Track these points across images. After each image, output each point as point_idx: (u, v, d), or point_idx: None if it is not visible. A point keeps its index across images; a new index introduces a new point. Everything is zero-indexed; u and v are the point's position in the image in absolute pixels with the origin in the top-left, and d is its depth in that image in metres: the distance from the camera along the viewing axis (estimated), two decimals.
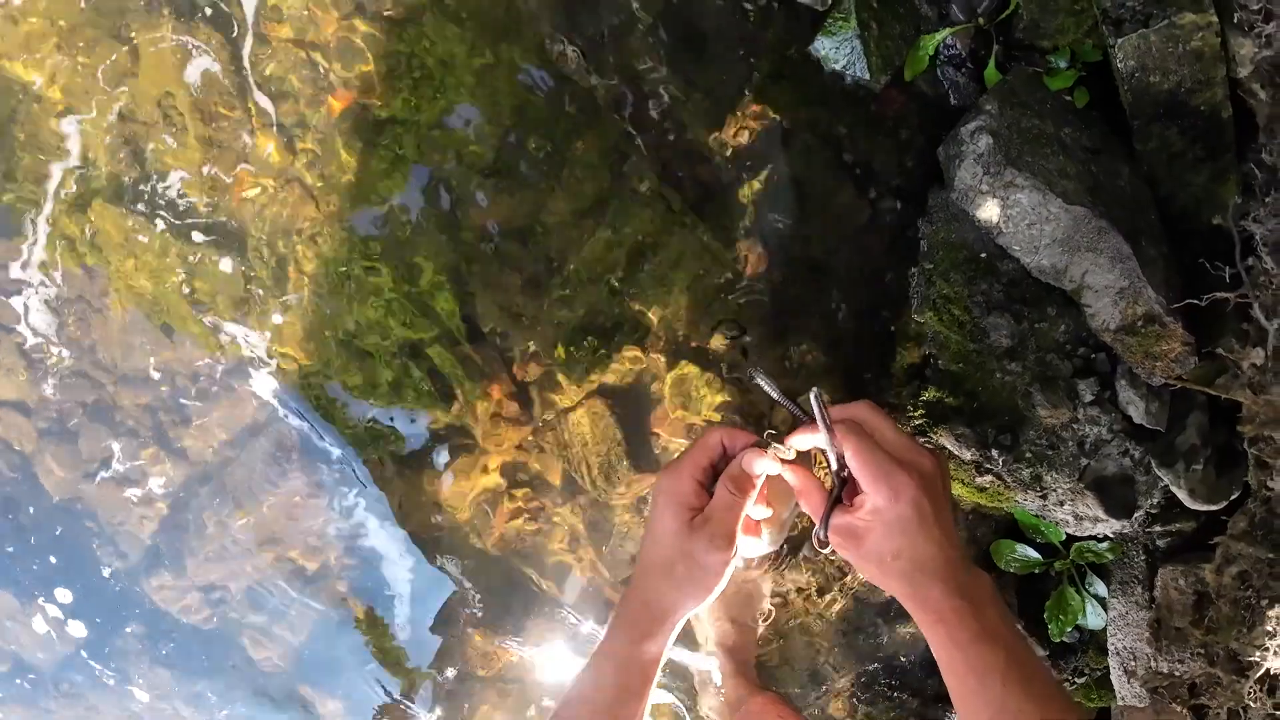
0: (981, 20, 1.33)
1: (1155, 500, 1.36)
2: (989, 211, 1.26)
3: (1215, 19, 1.17)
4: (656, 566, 0.94)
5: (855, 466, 0.87)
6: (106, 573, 1.52)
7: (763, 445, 0.96)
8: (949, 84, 1.38)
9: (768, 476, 0.97)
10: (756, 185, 1.39)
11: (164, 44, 1.33)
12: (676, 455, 1.02)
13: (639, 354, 1.43)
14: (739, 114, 1.37)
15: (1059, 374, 1.31)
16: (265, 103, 1.35)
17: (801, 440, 0.95)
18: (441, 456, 1.47)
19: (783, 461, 0.95)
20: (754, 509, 0.97)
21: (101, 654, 1.55)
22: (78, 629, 1.55)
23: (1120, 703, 1.48)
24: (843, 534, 0.89)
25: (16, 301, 1.42)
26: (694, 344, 1.43)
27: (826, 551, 0.91)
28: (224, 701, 1.57)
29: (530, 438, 1.47)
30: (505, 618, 1.55)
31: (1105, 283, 1.23)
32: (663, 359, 1.44)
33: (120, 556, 1.52)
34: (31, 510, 1.50)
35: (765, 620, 1.52)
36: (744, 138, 1.38)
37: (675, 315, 1.41)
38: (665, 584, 0.94)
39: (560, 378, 1.44)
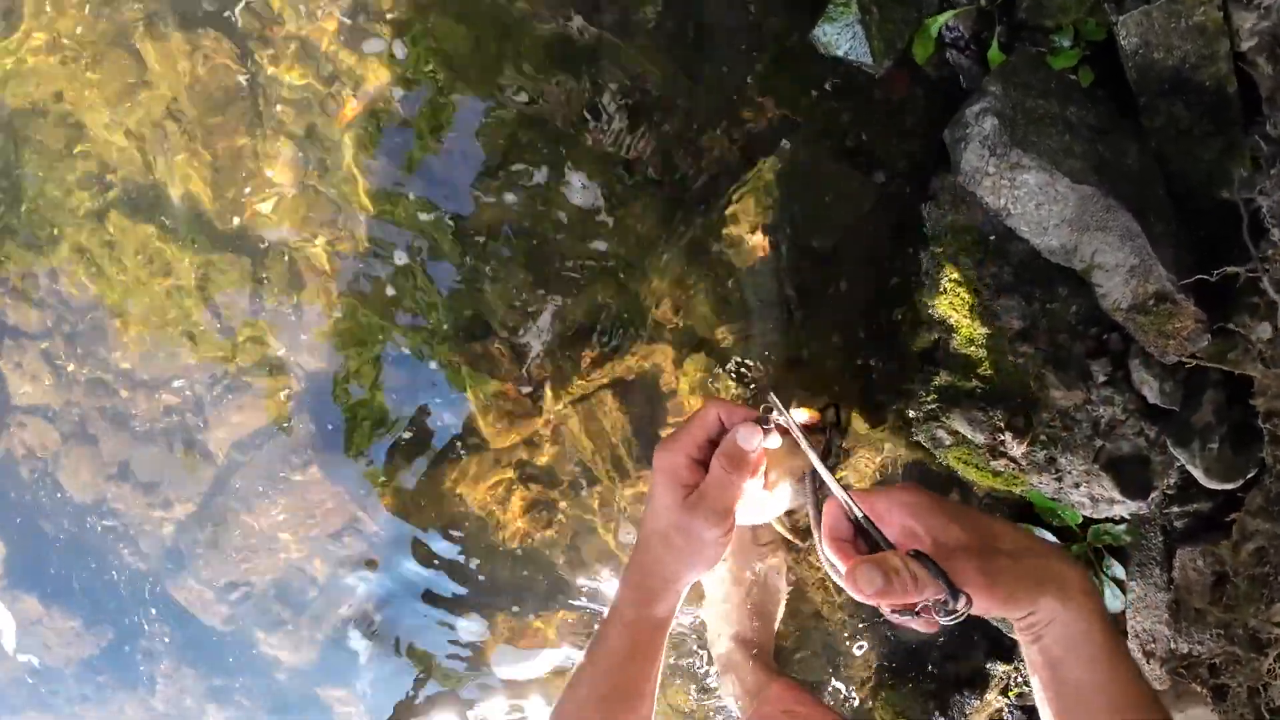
0: (984, 1, 1.33)
1: (1172, 480, 1.35)
2: (996, 193, 1.26)
3: None
4: (657, 538, 0.96)
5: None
6: (128, 574, 1.54)
7: (759, 421, 0.95)
8: (952, 67, 1.37)
9: (766, 449, 0.96)
10: (761, 174, 1.39)
11: (171, 54, 1.34)
12: (673, 430, 1.00)
13: (648, 347, 1.44)
14: (742, 104, 1.38)
15: (1072, 355, 1.30)
16: (274, 110, 1.36)
17: (799, 414, 0.95)
18: (454, 453, 1.48)
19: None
20: (752, 483, 0.97)
21: (125, 654, 1.57)
22: (102, 630, 1.57)
23: None
24: (977, 570, 0.73)
25: (36, 309, 1.44)
26: (703, 335, 1.43)
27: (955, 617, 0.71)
28: (245, 700, 1.58)
29: (542, 431, 1.48)
30: (523, 608, 1.56)
31: (1115, 261, 1.22)
32: (672, 351, 1.44)
33: (142, 558, 1.54)
34: (55, 515, 1.52)
35: (785, 598, 1.53)
36: (747, 127, 1.38)
37: (684, 307, 1.41)
38: (666, 554, 0.95)
39: (570, 372, 1.45)
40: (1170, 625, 1.43)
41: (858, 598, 0.73)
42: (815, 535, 0.81)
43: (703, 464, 0.95)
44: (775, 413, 0.96)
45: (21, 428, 1.49)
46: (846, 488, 0.78)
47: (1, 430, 1.50)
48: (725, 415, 0.95)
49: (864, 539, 0.77)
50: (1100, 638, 0.77)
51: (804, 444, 0.86)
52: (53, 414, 1.48)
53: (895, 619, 0.73)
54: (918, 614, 0.71)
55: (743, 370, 1.44)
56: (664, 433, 1.46)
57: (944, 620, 0.70)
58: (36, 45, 1.35)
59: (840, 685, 1.57)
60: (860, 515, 0.76)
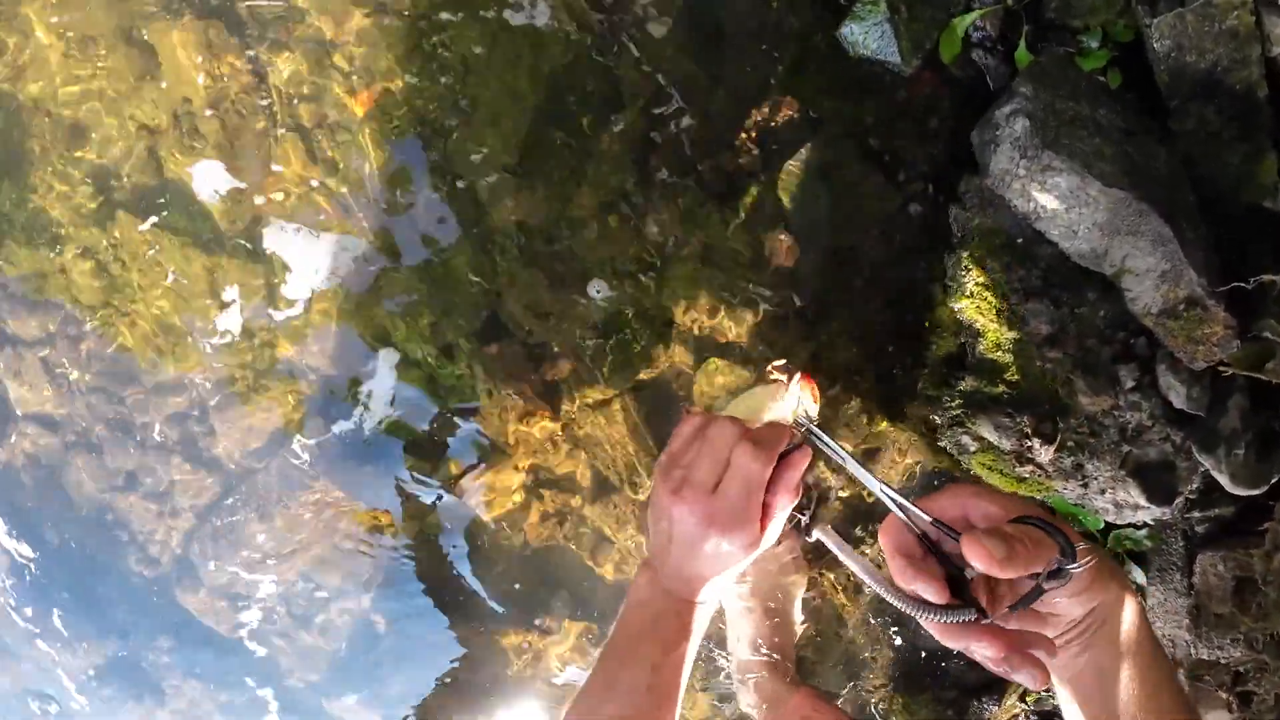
0: (1011, 1, 1.31)
1: (1195, 485, 1.34)
2: (1026, 196, 1.24)
3: None
4: (712, 576, 0.94)
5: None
6: (137, 583, 1.51)
7: (799, 438, 0.94)
8: (979, 67, 1.35)
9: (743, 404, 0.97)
10: (783, 175, 1.36)
11: (179, 49, 1.30)
12: (727, 497, 0.90)
13: (667, 349, 1.41)
14: (764, 104, 1.35)
15: (1099, 360, 1.29)
16: (285, 106, 1.33)
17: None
18: (469, 459, 1.46)
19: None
20: None
21: (133, 665, 1.54)
22: (110, 640, 1.54)
23: None
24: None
25: (41, 316, 1.40)
26: (723, 338, 1.41)
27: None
28: (253, 711, 1.56)
29: (560, 436, 1.45)
30: (538, 614, 1.54)
31: (1146, 266, 1.21)
32: (691, 353, 1.42)
33: (150, 566, 1.51)
34: (61, 523, 1.49)
35: (802, 605, 1.51)
36: (770, 127, 1.36)
37: (703, 309, 1.39)
38: (719, 579, 0.95)
39: (588, 376, 1.42)
40: (1190, 630, 1.42)
41: (938, 636, 0.65)
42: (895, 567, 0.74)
43: None
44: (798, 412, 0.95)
45: (25, 436, 1.45)
46: (907, 496, 0.74)
47: (5, 438, 1.46)
48: (772, 452, 0.91)
49: (933, 553, 0.73)
50: (1151, 633, 0.73)
51: (861, 472, 0.84)
52: (57, 422, 1.44)
53: (989, 658, 0.65)
54: (1039, 589, 0.65)
55: (764, 372, 1.42)
56: None
57: (1072, 567, 0.63)
58: (41, 39, 1.31)
59: (859, 693, 1.56)
60: (929, 520, 0.72)
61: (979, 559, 0.62)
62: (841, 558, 0.87)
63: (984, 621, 0.67)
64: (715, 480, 0.91)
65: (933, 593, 0.68)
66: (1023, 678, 0.64)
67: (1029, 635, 0.68)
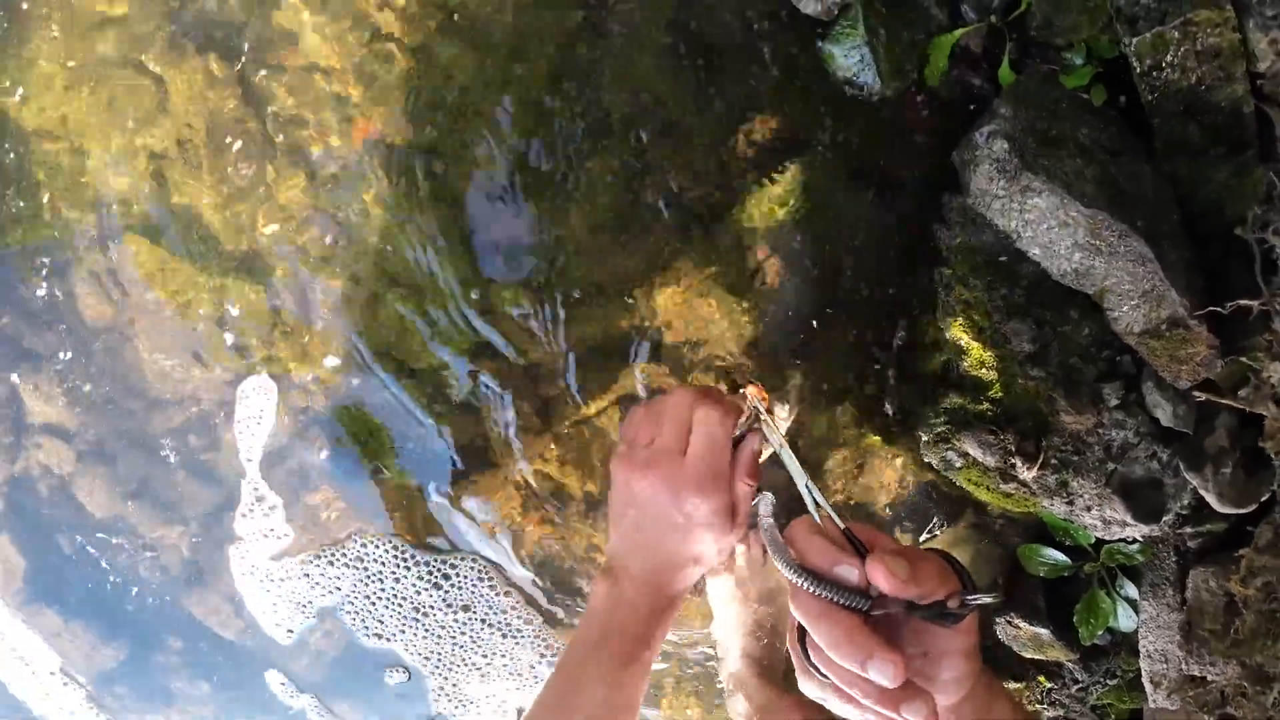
0: (994, 19, 1.31)
1: (1185, 502, 1.34)
2: (1006, 216, 1.25)
3: (1232, 14, 1.15)
4: (688, 559, 0.97)
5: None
6: (145, 589, 1.56)
7: (751, 417, 0.98)
8: (963, 85, 1.36)
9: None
10: (768, 197, 1.38)
11: (180, 78, 1.35)
12: (697, 456, 0.94)
13: (656, 366, 1.44)
14: (749, 124, 1.37)
15: (1083, 378, 1.29)
16: (283, 135, 1.37)
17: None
18: (464, 472, 1.49)
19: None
20: None
21: (142, 667, 1.60)
22: (119, 643, 1.59)
23: (1152, 705, 1.46)
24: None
25: (51, 331, 1.46)
26: (710, 354, 1.43)
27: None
28: (261, 714, 1.61)
29: (551, 450, 1.48)
30: (539, 628, 1.57)
31: (1128, 287, 1.21)
32: (680, 371, 1.44)
33: (159, 572, 1.56)
34: (73, 531, 1.54)
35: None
36: (754, 150, 1.37)
37: (691, 330, 1.41)
38: (693, 571, 0.99)
39: (580, 391, 1.45)
40: (1182, 646, 1.42)
41: (839, 647, 0.65)
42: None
43: None
44: (748, 402, 0.99)
45: (39, 447, 1.51)
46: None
47: (19, 450, 1.52)
48: (729, 407, 0.97)
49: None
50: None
51: (793, 465, 0.86)
52: (69, 433, 1.50)
53: (888, 676, 0.66)
54: (958, 608, 0.66)
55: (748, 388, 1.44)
56: None
57: (976, 597, 0.66)
58: (45, 69, 1.36)
59: None
60: (842, 528, 0.73)
61: (881, 577, 0.64)
62: (763, 526, 0.85)
63: (875, 612, 0.68)
64: (683, 445, 0.95)
65: (855, 574, 0.68)
66: (911, 710, 0.64)
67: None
